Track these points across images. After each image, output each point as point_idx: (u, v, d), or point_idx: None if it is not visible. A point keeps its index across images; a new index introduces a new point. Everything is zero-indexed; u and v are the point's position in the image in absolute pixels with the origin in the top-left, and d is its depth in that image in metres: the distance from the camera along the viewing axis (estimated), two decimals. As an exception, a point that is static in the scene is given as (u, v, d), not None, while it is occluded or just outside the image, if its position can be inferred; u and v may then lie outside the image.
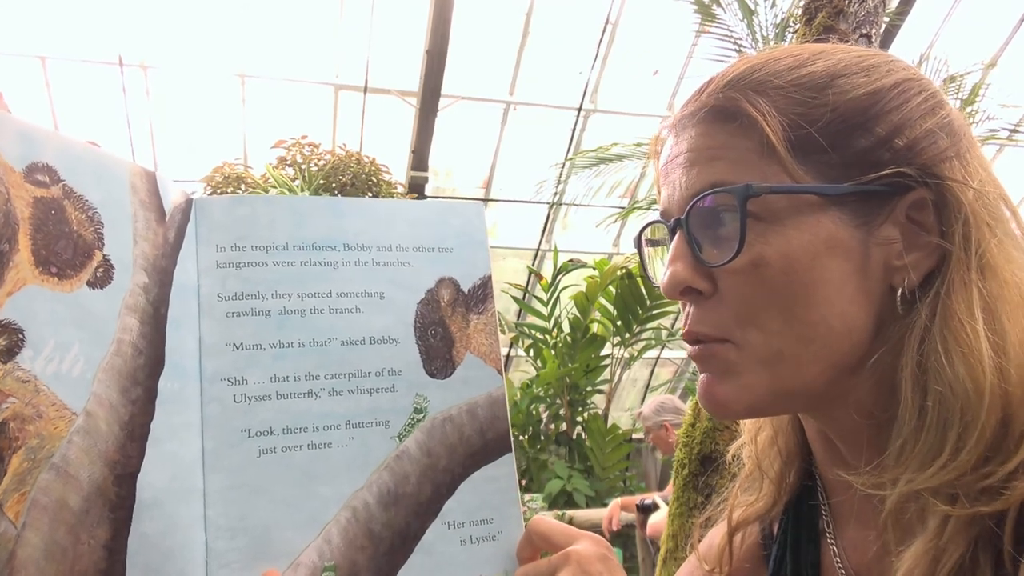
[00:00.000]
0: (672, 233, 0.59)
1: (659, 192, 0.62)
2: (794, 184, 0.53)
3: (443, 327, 0.71)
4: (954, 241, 0.52)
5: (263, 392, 0.63)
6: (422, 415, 0.68)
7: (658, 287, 0.62)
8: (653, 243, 0.67)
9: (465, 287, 0.73)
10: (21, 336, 0.53)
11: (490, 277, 0.74)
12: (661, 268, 0.61)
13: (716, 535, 0.75)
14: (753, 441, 0.71)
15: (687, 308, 0.59)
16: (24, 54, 5.58)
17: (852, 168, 0.53)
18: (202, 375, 0.62)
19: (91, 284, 0.58)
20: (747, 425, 0.73)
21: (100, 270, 0.59)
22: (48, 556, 0.52)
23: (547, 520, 0.65)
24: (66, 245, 0.57)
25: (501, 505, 0.69)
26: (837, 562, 0.64)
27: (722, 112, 0.56)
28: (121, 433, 0.57)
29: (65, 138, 0.59)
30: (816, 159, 0.54)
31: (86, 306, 0.57)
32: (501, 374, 0.72)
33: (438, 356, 0.70)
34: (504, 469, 0.70)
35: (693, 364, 0.62)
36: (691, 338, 0.59)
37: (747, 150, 0.55)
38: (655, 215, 0.64)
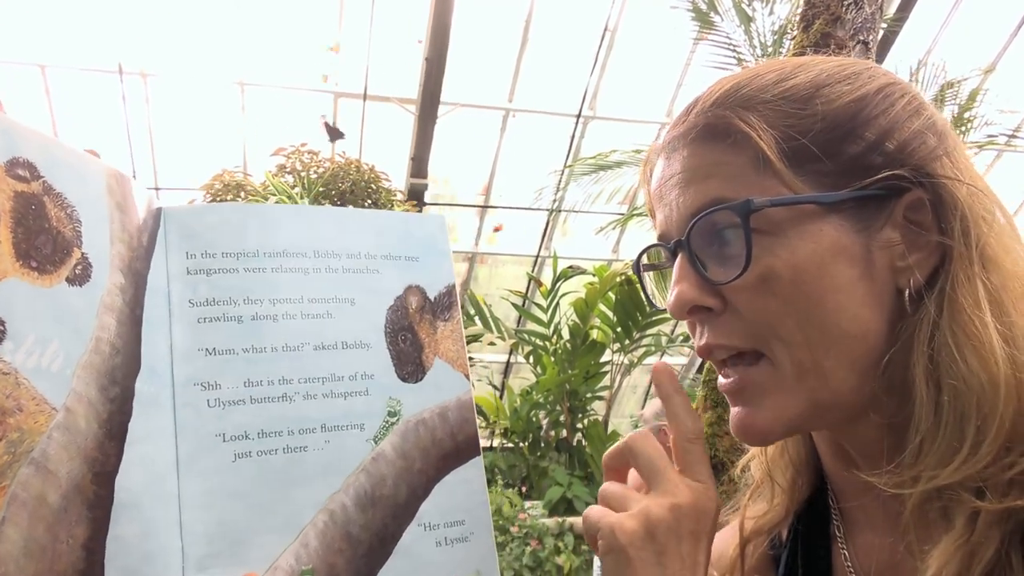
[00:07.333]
0: (673, 255, 0.59)
1: (653, 216, 0.62)
2: (793, 195, 0.54)
3: (412, 333, 0.72)
4: (954, 237, 0.53)
5: (237, 396, 0.63)
6: (396, 418, 0.69)
7: (662, 309, 0.61)
8: (652, 268, 0.67)
9: (431, 295, 0.74)
10: (2, 328, 0.53)
11: (454, 286, 0.76)
12: (663, 291, 0.61)
13: (721, 540, 0.74)
14: (763, 452, 0.71)
15: (696, 328, 0.59)
16: (24, 62, 5.61)
17: (847, 175, 0.54)
18: (174, 379, 0.62)
19: (70, 281, 0.58)
20: None
21: (79, 267, 0.59)
22: (27, 553, 0.51)
23: (654, 444, 0.59)
24: (46, 240, 0.57)
25: (472, 507, 0.70)
26: (848, 567, 0.63)
27: (713, 130, 0.56)
28: (100, 431, 0.57)
29: (44, 136, 0.58)
30: (811, 168, 0.54)
31: (65, 302, 0.57)
32: (468, 379, 0.74)
33: (409, 361, 0.71)
34: (474, 471, 0.71)
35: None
36: (709, 352, 0.58)
37: (742, 166, 0.55)
38: (652, 237, 0.63)
